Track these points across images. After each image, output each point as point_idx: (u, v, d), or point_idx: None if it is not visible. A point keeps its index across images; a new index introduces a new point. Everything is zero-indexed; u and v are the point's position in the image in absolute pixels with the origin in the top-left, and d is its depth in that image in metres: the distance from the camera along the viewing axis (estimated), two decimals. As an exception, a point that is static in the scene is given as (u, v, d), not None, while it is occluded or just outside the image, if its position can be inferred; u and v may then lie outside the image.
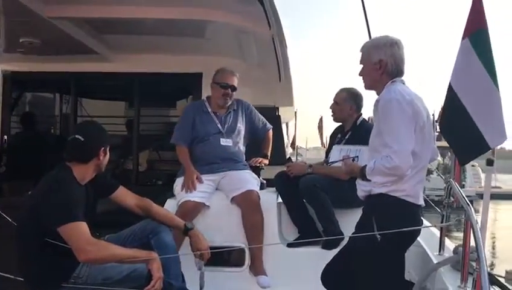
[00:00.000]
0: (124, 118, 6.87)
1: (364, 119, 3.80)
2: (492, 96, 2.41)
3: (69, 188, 2.57)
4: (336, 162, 3.50)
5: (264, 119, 4.08)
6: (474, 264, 2.27)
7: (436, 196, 9.60)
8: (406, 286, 2.68)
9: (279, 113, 5.88)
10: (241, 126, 3.91)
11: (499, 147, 2.83)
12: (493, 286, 2.22)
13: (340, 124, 3.89)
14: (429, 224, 3.16)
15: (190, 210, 3.50)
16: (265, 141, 4.09)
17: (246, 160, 3.93)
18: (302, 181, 3.57)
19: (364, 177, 2.55)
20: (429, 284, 2.75)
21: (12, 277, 2.76)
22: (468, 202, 2.35)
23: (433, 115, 2.99)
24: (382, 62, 2.58)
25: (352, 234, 2.67)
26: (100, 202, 2.90)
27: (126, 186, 3.01)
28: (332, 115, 3.87)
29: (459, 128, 2.53)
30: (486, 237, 2.74)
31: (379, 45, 2.62)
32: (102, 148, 2.74)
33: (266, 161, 4.04)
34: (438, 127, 2.91)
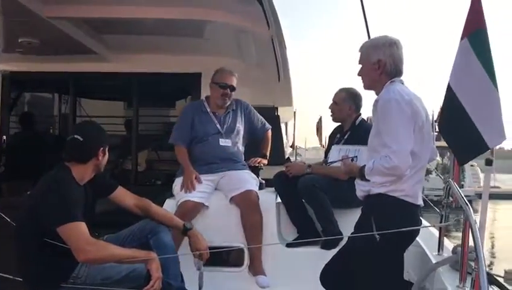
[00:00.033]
0: (123, 118, 6.87)
1: (363, 119, 3.80)
2: (491, 96, 2.41)
3: (68, 188, 2.56)
4: (335, 162, 3.50)
5: (263, 119, 4.08)
6: (472, 264, 2.28)
7: (435, 196, 9.62)
8: (405, 285, 2.68)
9: (278, 113, 5.88)
10: (240, 126, 3.91)
11: (498, 146, 2.83)
12: (492, 286, 2.23)
13: (339, 124, 3.90)
14: (428, 224, 3.17)
15: (189, 210, 3.50)
16: (264, 141, 4.09)
17: (244, 160, 3.93)
18: (301, 181, 3.58)
19: (363, 177, 2.55)
20: (428, 284, 2.75)
21: (11, 277, 2.75)
22: (466, 202, 2.36)
23: (432, 115, 2.99)
24: (381, 62, 2.58)
25: (351, 234, 2.67)
26: (99, 202, 2.89)
27: (125, 186, 3.01)
28: (331, 115, 3.88)
29: (458, 128, 2.53)
30: (485, 236, 2.74)
31: (378, 45, 2.62)
32: (101, 148, 2.73)
33: (265, 161, 4.04)
34: (437, 127, 2.91)
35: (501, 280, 2.66)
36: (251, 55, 5.13)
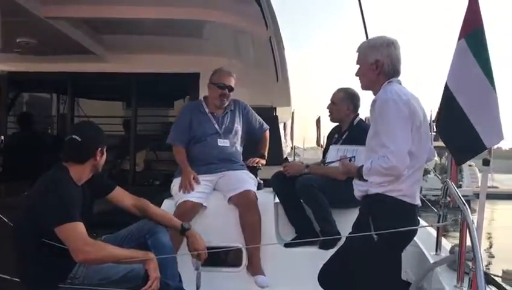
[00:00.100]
0: (121, 118, 6.86)
1: (361, 120, 3.80)
2: (489, 96, 2.42)
3: (66, 189, 2.56)
4: (333, 162, 3.50)
5: (261, 120, 4.09)
6: (470, 264, 2.28)
7: (433, 195, 9.61)
8: (403, 285, 2.69)
9: (277, 114, 5.88)
10: (238, 127, 3.91)
11: (495, 146, 2.84)
12: (489, 286, 2.23)
13: (337, 124, 3.90)
14: (426, 224, 3.17)
15: (188, 210, 3.49)
16: (262, 141, 4.09)
17: (243, 160, 3.93)
18: (299, 181, 3.58)
19: (361, 177, 2.56)
20: (426, 283, 2.76)
21: (8, 277, 2.75)
22: (464, 201, 2.36)
23: (430, 115, 2.99)
24: (379, 62, 2.58)
25: (349, 234, 2.67)
26: (97, 202, 2.89)
27: (123, 186, 3.00)
28: (329, 115, 3.88)
29: (455, 128, 2.54)
30: (483, 236, 2.75)
31: (375, 45, 2.63)
32: (99, 148, 2.73)
33: (263, 161, 4.04)
34: (434, 127, 2.92)
35: (499, 279, 2.67)
36: (249, 55, 5.14)
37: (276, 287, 3.44)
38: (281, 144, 5.59)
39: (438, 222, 3.02)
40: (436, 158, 16.86)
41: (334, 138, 3.85)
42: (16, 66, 5.68)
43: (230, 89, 3.83)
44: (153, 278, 2.54)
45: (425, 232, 3.30)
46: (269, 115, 5.20)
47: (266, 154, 4.08)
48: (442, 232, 3.15)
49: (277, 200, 3.81)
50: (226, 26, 4.42)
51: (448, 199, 2.92)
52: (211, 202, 3.65)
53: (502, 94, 2.52)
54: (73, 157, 2.68)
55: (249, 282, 3.50)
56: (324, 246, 3.44)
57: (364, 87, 2.72)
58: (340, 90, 3.81)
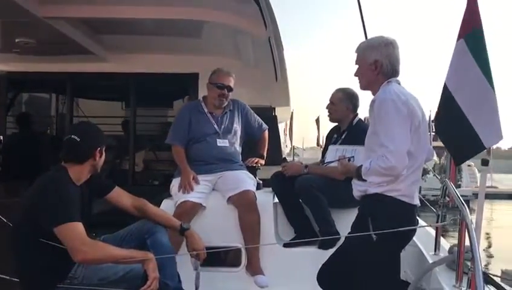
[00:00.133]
0: (120, 118, 6.87)
1: (360, 120, 3.80)
2: (488, 96, 2.42)
3: (65, 189, 2.56)
4: (332, 162, 3.50)
5: (260, 120, 4.09)
6: (469, 263, 2.29)
7: (433, 195, 9.63)
8: (402, 285, 2.68)
9: (276, 114, 5.88)
10: (237, 127, 3.91)
11: (495, 146, 2.84)
12: (488, 285, 2.23)
13: (336, 124, 3.90)
14: (425, 224, 3.17)
15: (188, 211, 3.50)
16: (261, 141, 4.10)
17: (242, 160, 3.93)
18: (298, 181, 3.58)
19: (360, 177, 2.56)
20: (425, 283, 2.76)
21: (8, 277, 2.75)
22: (463, 201, 2.36)
23: (429, 115, 2.99)
24: (377, 63, 2.58)
25: (348, 234, 2.67)
26: (96, 202, 2.89)
27: (122, 186, 3.00)
28: (328, 115, 3.88)
29: (454, 128, 2.54)
30: (482, 236, 2.75)
31: (374, 45, 2.63)
32: (98, 148, 2.73)
33: (262, 161, 4.04)
34: (433, 127, 2.92)
35: (498, 279, 2.67)
36: (248, 55, 5.14)
37: (275, 287, 3.44)
38: (280, 144, 5.59)
39: (437, 222, 3.02)
40: (435, 158, 16.89)
41: (333, 138, 3.86)
42: (14, 66, 5.68)
43: (229, 89, 3.83)
44: (152, 278, 2.54)
45: (424, 232, 3.30)
46: (268, 115, 5.21)
47: (265, 154, 4.08)
48: (441, 232, 3.15)
49: (276, 200, 3.81)
50: (225, 26, 4.42)
51: (447, 199, 2.92)
52: (210, 202, 3.65)
53: (500, 94, 2.52)
54: (72, 158, 2.68)
55: (248, 282, 3.50)
56: (323, 246, 3.44)
57: (363, 87, 2.72)
58: (339, 90, 3.81)
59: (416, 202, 2.58)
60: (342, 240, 2.95)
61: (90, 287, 2.57)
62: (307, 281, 2.85)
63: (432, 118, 3.03)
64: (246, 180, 3.70)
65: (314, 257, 3.14)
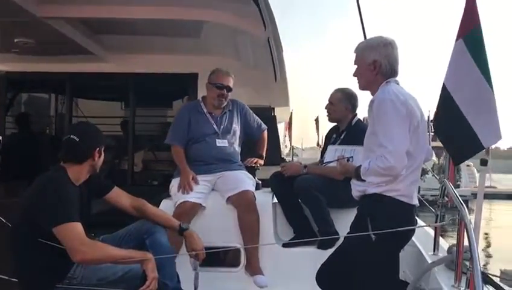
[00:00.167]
0: (120, 119, 6.86)
1: (359, 120, 3.80)
2: (486, 96, 2.42)
3: (64, 189, 2.56)
4: (331, 162, 3.50)
5: (259, 120, 4.09)
6: (468, 263, 2.29)
7: (432, 195, 9.63)
8: (401, 285, 2.68)
9: (275, 114, 5.89)
10: (236, 127, 3.91)
11: (493, 146, 2.84)
12: (487, 285, 2.23)
13: (335, 124, 3.90)
14: (424, 224, 3.18)
15: (187, 211, 3.50)
16: (261, 141, 4.10)
17: (241, 160, 3.93)
18: (297, 181, 3.58)
19: (359, 177, 2.56)
20: (423, 283, 2.76)
21: (7, 277, 2.75)
22: (461, 201, 2.37)
23: (428, 116, 3.00)
24: (376, 63, 2.58)
25: (347, 234, 2.67)
26: (95, 202, 2.89)
27: (121, 186, 3.00)
28: (327, 116, 3.88)
29: (453, 128, 2.54)
30: (481, 236, 2.76)
31: (373, 45, 2.63)
32: (97, 148, 2.73)
33: (261, 161, 4.05)
34: (432, 127, 2.92)
35: (497, 279, 2.67)
36: (248, 55, 5.14)
37: (274, 287, 3.44)
38: (279, 144, 5.60)
39: (436, 222, 3.03)
40: (434, 158, 16.88)
41: (332, 138, 3.86)
42: (13, 66, 5.68)
43: (229, 89, 3.84)
44: (151, 278, 2.54)
45: (423, 232, 3.30)
46: (267, 115, 5.21)
47: (264, 154, 4.09)
48: (440, 232, 3.15)
49: (275, 200, 3.81)
50: (225, 27, 4.42)
51: (446, 199, 2.93)
52: (209, 202, 3.65)
53: (499, 94, 2.52)
54: (71, 158, 2.68)
55: (247, 282, 3.50)
56: (322, 246, 3.44)
57: (362, 87, 2.72)
58: (338, 90, 3.81)
59: (415, 202, 2.59)
60: (341, 240, 2.95)
61: (89, 287, 2.57)
62: (306, 281, 2.85)
63: (431, 118, 3.03)
64: (245, 181, 3.71)
65: (313, 257, 3.14)
